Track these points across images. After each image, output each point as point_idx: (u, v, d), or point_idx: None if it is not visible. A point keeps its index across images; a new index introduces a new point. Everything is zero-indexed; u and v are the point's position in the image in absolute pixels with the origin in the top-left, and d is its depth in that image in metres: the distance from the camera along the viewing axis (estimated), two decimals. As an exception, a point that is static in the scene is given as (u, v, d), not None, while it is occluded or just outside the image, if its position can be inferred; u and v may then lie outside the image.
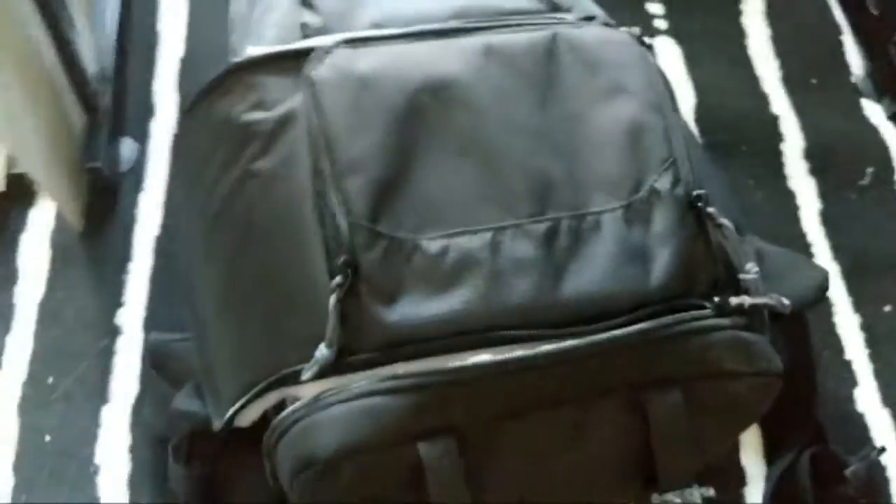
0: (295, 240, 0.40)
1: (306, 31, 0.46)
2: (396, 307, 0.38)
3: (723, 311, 0.41)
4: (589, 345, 0.38)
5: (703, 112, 0.73)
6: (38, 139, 0.59)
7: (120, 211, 0.65)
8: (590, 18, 0.48)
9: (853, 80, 0.76)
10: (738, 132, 0.73)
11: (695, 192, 0.42)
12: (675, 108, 0.47)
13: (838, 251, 0.67)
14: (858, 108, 0.75)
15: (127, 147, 0.68)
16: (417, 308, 0.38)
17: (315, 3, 0.47)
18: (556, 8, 0.49)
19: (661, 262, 0.40)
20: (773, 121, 0.73)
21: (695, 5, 0.79)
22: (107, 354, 0.59)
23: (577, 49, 0.45)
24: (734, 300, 0.41)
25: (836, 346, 0.63)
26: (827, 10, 0.80)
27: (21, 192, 0.65)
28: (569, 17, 0.48)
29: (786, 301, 0.42)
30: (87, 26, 0.67)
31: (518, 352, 0.38)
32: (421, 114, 0.41)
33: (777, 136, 0.73)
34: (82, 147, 0.64)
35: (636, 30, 0.48)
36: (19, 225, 0.65)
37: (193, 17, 0.76)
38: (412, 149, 0.41)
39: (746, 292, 0.42)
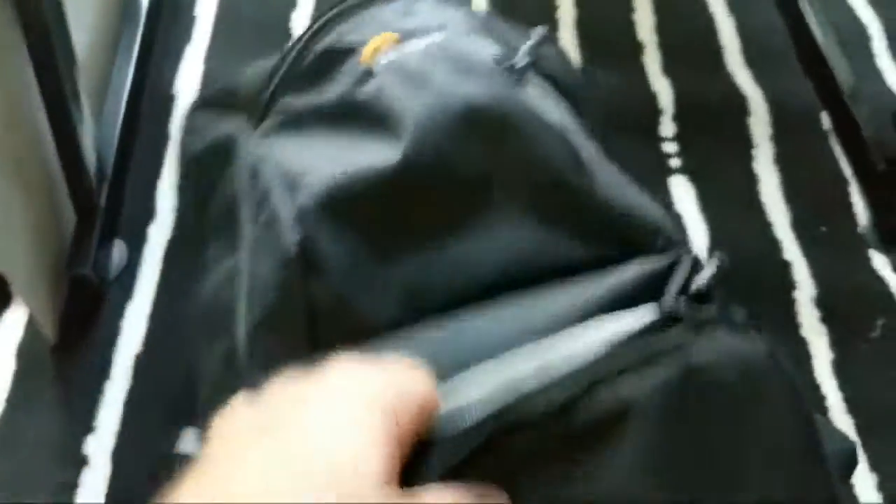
0: None
1: None
2: None
3: None
4: None
5: (715, 252, 0.72)
6: (22, 238, 0.54)
7: (102, 323, 0.59)
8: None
9: (860, 230, 0.77)
10: (749, 275, 0.71)
11: None
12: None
13: (852, 405, 0.64)
14: (866, 258, 0.74)
15: (118, 251, 0.63)
16: None
17: None
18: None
19: None
20: (785, 266, 0.73)
21: (709, 148, 0.80)
22: (69, 489, 0.52)
23: (714, 390, 0.33)
24: None
25: (859, 515, 0.59)
26: (834, 161, 0.81)
27: (-7, 292, 0.60)
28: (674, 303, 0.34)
29: None
30: (92, 117, 0.64)
31: None
32: None
33: (789, 283, 0.72)
34: (70, 250, 0.59)
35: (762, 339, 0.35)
36: (-13, 329, 0.59)
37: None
38: None
39: None
